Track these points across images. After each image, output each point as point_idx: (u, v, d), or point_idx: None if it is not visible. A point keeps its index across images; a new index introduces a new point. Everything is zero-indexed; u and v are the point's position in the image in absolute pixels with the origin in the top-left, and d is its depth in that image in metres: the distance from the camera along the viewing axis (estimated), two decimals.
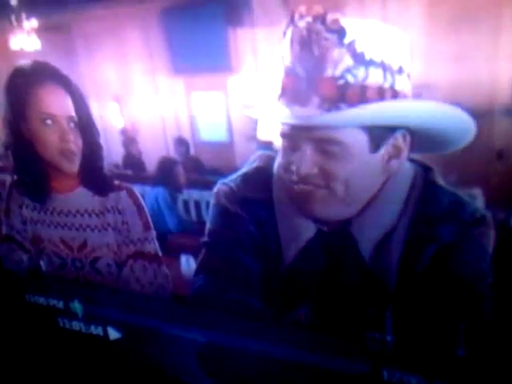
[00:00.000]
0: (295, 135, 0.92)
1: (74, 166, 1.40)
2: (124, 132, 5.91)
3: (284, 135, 0.96)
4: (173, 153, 4.38)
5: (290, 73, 0.89)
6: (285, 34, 0.91)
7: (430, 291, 0.96)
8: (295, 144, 0.92)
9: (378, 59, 0.92)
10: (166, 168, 3.71)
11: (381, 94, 0.91)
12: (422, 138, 0.91)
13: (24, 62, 1.33)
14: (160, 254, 1.48)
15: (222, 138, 4.45)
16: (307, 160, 0.92)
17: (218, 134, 4.47)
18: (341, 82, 0.90)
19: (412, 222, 0.98)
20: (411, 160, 1.00)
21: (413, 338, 0.94)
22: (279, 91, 0.92)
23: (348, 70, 0.90)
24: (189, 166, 4.04)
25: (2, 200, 1.47)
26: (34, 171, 1.42)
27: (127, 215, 1.45)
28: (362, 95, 0.91)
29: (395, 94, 0.89)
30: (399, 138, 0.92)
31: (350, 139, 0.93)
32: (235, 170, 1.14)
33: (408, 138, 0.93)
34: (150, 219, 1.48)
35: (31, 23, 5.21)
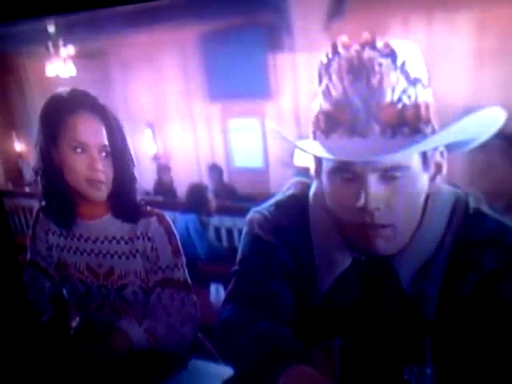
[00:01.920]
0: (355, 168, 0.92)
1: (101, 195, 1.45)
2: (156, 158, 6.03)
3: (339, 169, 0.95)
4: (206, 179, 4.44)
5: (342, 105, 0.89)
6: (328, 66, 0.91)
7: (473, 321, 0.93)
8: (353, 176, 0.91)
9: (418, 76, 0.95)
10: (196, 194, 3.77)
11: (427, 110, 0.94)
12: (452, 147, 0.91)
13: (61, 90, 1.38)
14: (189, 281, 1.49)
15: (257, 164, 4.48)
16: (373, 192, 0.95)
17: (253, 160, 4.51)
18: (399, 105, 0.92)
19: (453, 250, 0.95)
20: (452, 185, 0.98)
21: (454, 372, 0.91)
22: (327, 126, 0.92)
23: (404, 92, 0.93)
24: (222, 193, 4.07)
25: (28, 226, 1.51)
26: (61, 197, 1.47)
27: (157, 242, 1.48)
28: (417, 115, 0.94)
29: (428, 109, 0.89)
30: (440, 153, 0.92)
31: (412, 162, 0.96)
32: (269, 196, 1.14)
33: (445, 152, 0.92)
34: (180, 245, 1.50)
35: (68, 50, 5.43)
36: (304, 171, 1.21)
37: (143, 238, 1.49)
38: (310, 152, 0.91)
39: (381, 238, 0.95)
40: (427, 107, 0.91)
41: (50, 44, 5.38)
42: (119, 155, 1.48)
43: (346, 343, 0.97)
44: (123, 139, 1.48)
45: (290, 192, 1.14)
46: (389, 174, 0.94)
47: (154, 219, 1.49)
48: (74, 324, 1.45)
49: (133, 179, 1.51)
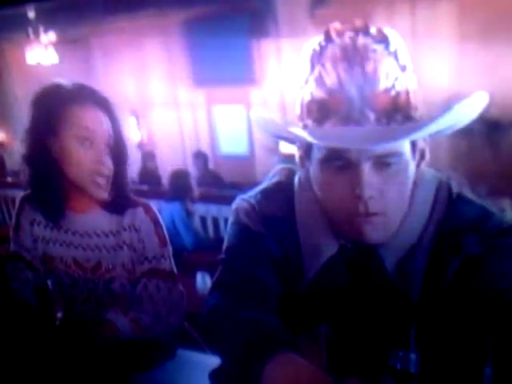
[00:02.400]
0: (349, 156, 0.89)
1: (102, 191, 1.34)
2: (141, 146, 5.94)
3: (331, 158, 0.92)
4: (191, 167, 4.40)
5: (337, 93, 0.88)
6: (321, 54, 0.91)
7: (456, 306, 0.94)
8: (347, 164, 0.91)
9: (406, 63, 0.90)
10: (179, 180, 3.72)
11: (415, 97, 0.90)
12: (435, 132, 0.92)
13: (62, 80, 1.35)
14: (175, 271, 1.42)
15: (243, 151, 4.46)
16: (367, 179, 0.88)
17: (239, 147, 4.49)
18: (393, 92, 0.86)
19: (436, 235, 0.96)
20: (434, 170, 0.99)
21: (437, 356, 0.92)
22: (320, 114, 0.91)
23: (396, 79, 0.87)
24: (207, 180, 4.05)
25: (11, 217, 1.48)
26: (52, 188, 1.35)
27: (143, 232, 1.37)
28: (407, 102, 0.88)
29: (416, 95, 0.91)
30: (423, 139, 0.93)
31: (404, 148, 0.90)
32: (255, 183, 1.13)
33: (427, 138, 0.93)
34: (166, 235, 1.41)
35: (49, 36, 5.32)
36: (289, 158, 1.21)
37: (130, 230, 1.38)
38: (307, 139, 0.90)
39: (372, 226, 0.93)
40: (415, 94, 0.91)
41: (31, 30, 5.27)
42: (120, 149, 1.38)
43: (331, 330, 0.97)
44: (122, 132, 1.39)
45: (276, 179, 1.13)
46: (382, 161, 0.89)
47: (140, 209, 1.39)
48: (59, 315, 1.43)
49: (127, 173, 1.42)
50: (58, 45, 5.92)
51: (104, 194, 1.35)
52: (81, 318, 1.41)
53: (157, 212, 1.41)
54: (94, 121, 1.31)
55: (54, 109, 1.31)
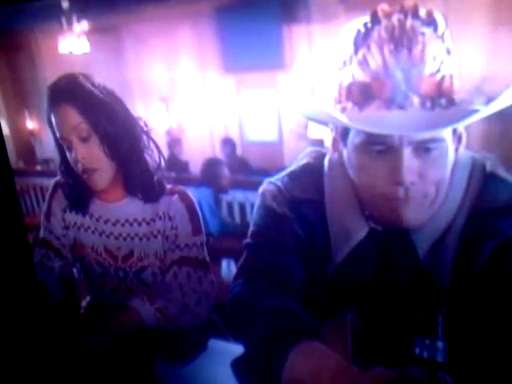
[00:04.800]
0: (390, 141, 0.89)
1: (99, 183, 1.35)
2: (169, 133, 5.99)
3: (371, 142, 0.91)
4: (218, 153, 4.39)
5: (382, 76, 0.86)
6: (367, 35, 0.88)
7: (487, 292, 0.92)
8: (387, 149, 0.90)
9: (451, 46, 0.89)
10: (211, 169, 3.72)
11: (457, 81, 0.89)
12: None
13: (51, 82, 1.36)
14: (208, 259, 1.41)
15: (271, 137, 4.43)
16: (408, 165, 0.88)
17: (267, 133, 4.46)
18: (438, 76, 0.86)
19: (469, 217, 0.94)
20: (469, 150, 0.96)
21: (466, 346, 0.90)
22: (362, 98, 0.89)
23: (442, 62, 0.86)
24: (235, 167, 4.04)
25: (39, 206, 1.49)
26: (77, 179, 1.37)
27: (177, 220, 1.37)
28: (451, 86, 0.88)
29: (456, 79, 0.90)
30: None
31: (446, 134, 0.90)
32: (283, 169, 1.12)
33: None
34: (201, 223, 1.40)
35: (81, 25, 5.36)
36: (318, 143, 1.18)
37: (164, 218, 1.38)
38: (348, 124, 0.88)
39: (410, 210, 0.92)
40: (457, 77, 0.89)
41: (64, 20, 5.32)
42: (112, 138, 1.34)
43: (357, 317, 0.96)
44: (114, 122, 1.34)
45: (304, 161, 1.11)
46: (424, 147, 0.89)
47: (175, 197, 1.38)
48: (83, 304, 1.44)
49: (142, 159, 1.39)
50: (89, 34, 5.97)
51: (98, 186, 1.34)
52: (108, 305, 1.42)
53: (193, 200, 1.40)
54: (64, 120, 1.30)
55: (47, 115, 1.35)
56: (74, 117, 1.30)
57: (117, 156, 1.34)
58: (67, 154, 1.33)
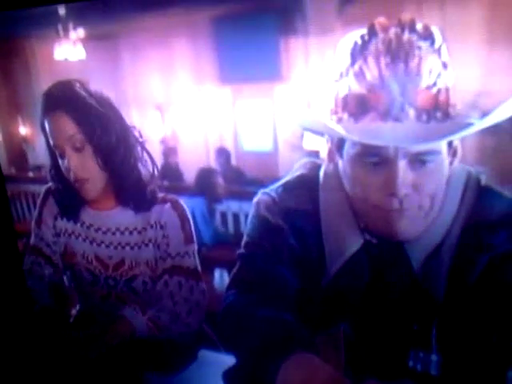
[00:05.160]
0: (385, 153, 0.90)
1: (90, 192, 1.37)
2: (164, 141, 6.01)
3: (366, 154, 0.93)
4: (213, 163, 4.39)
5: (378, 88, 0.87)
6: (364, 48, 0.89)
7: (481, 305, 0.92)
8: (382, 161, 0.91)
9: (447, 60, 0.92)
10: (205, 178, 3.72)
11: (453, 95, 0.92)
12: None
13: (48, 87, 1.38)
14: (199, 269, 1.42)
15: (266, 147, 4.44)
16: (403, 177, 0.91)
17: (262, 143, 4.47)
18: (434, 89, 0.90)
19: (464, 230, 0.96)
20: (464, 164, 0.97)
21: (460, 358, 0.90)
22: (358, 109, 0.90)
23: (439, 76, 0.90)
24: (229, 177, 4.04)
25: (31, 212, 1.48)
26: (68, 190, 1.40)
27: (169, 228, 1.40)
28: (447, 99, 0.91)
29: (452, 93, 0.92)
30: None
31: (442, 146, 0.93)
32: (278, 180, 1.12)
33: None
34: (193, 232, 1.43)
35: (78, 33, 5.39)
36: (313, 154, 1.19)
37: (156, 226, 1.41)
38: (344, 135, 0.89)
39: (405, 222, 0.95)
40: (453, 91, 0.90)
41: (60, 27, 5.34)
42: (106, 149, 1.37)
43: (351, 329, 0.96)
44: (109, 131, 1.37)
45: (299, 172, 1.13)
46: (419, 159, 0.92)
47: (167, 206, 1.41)
48: (73, 312, 1.43)
49: (135, 170, 1.41)
50: (86, 41, 5.99)
51: (88, 195, 1.37)
52: (98, 314, 1.41)
53: (185, 208, 1.42)
54: (57, 128, 1.34)
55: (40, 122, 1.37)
56: (68, 126, 1.33)
57: (110, 166, 1.36)
58: (59, 161, 1.35)
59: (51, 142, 1.35)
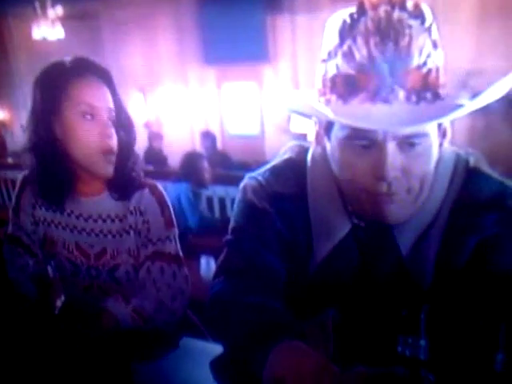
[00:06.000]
0: (374, 135, 0.88)
1: (109, 168, 1.31)
2: (148, 125, 5.92)
3: (355, 136, 0.90)
4: (199, 147, 4.37)
5: (367, 68, 0.86)
6: (353, 27, 0.88)
7: (469, 289, 0.93)
8: (371, 143, 0.89)
9: (437, 38, 0.88)
10: (191, 163, 3.69)
11: (443, 75, 0.88)
12: None
13: (62, 58, 1.31)
14: (181, 254, 1.38)
15: (253, 131, 4.43)
16: (392, 160, 0.87)
17: (249, 126, 4.45)
18: (424, 69, 0.85)
19: (452, 212, 0.95)
20: (451, 146, 0.97)
21: (448, 343, 0.91)
22: (347, 90, 0.89)
23: (429, 55, 0.85)
24: (215, 161, 4.02)
25: (11, 199, 1.45)
26: (59, 173, 1.31)
27: (148, 214, 1.34)
28: (437, 80, 0.87)
29: (443, 73, 0.90)
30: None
31: (431, 129, 0.89)
32: (265, 164, 1.11)
33: None
34: (173, 216, 1.38)
35: (56, 11, 5.26)
36: (301, 137, 1.18)
37: (135, 213, 1.34)
38: (332, 118, 0.88)
39: (394, 205, 0.91)
40: (443, 71, 0.89)
41: (38, 5, 5.22)
42: (124, 125, 1.34)
43: (339, 316, 0.96)
44: (125, 106, 1.36)
45: (287, 156, 1.11)
46: (408, 141, 0.88)
47: (146, 191, 1.35)
48: (58, 303, 1.41)
49: (135, 154, 1.38)
50: (65, 20, 5.89)
51: (110, 171, 1.30)
52: (82, 306, 1.40)
53: (164, 192, 1.38)
54: (95, 94, 1.28)
55: (55, 87, 1.27)
56: (102, 88, 1.28)
57: (121, 143, 1.32)
58: (79, 129, 1.27)
59: (81, 102, 1.27)
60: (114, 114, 1.31)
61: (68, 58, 1.32)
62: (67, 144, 1.28)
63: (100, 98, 1.28)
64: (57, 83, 1.27)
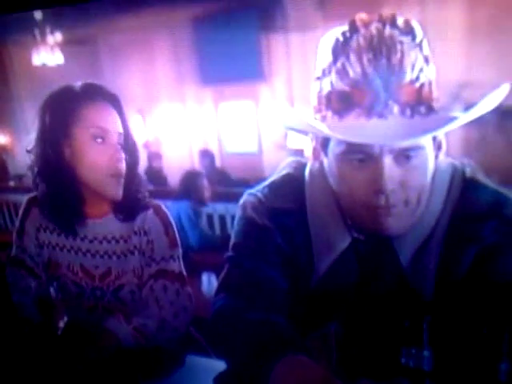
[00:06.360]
0: (371, 150, 0.89)
1: (119, 190, 1.30)
2: (147, 146, 5.94)
3: (351, 151, 0.91)
4: (197, 166, 4.37)
5: (361, 84, 0.87)
6: (345, 44, 0.89)
7: (471, 298, 0.92)
8: (367, 158, 0.90)
9: (428, 53, 0.90)
10: (190, 181, 3.70)
11: (435, 88, 0.90)
12: None
13: (72, 83, 1.31)
14: (184, 272, 1.37)
15: (251, 148, 4.43)
16: (389, 174, 0.88)
17: (246, 144, 4.46)
18: (417, 84, 0.87)
19: (451, 223, 0.95)
20: (449, 157, 0.98)
21: (451, 353, 0.90)
22: (342, 106, 0.90)
23: (421, 70, 0.87)
24: (214, 179, 4.02)
25: (13, 222, 1.44)
26: (69, 196, 1.30)
27: (152, 234, 1.33)
28: (430, 93, 0.88)
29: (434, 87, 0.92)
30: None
31: (426, 141, 0.90)
32: (264, 180, 1.11)
33: None
34: (177, 236, 1.37)
35: (55, 37, 5.29)
36: (298, 153, 1.19)
37: (140, 234, 1.34)
38: (328, 134, 0.89)
39: (392, 218, 0.92)
40: (436, 85, 0.90)
41: (37, 32, 5.25)
42: (131, 148, 1.35)
43: (341, 329, 0.95)
44: (131, 129, 1.37)
45: (285, 172, 1.12)
46: (404, 154, 0.89)
47: (150, 211, 1.35)
48: (61, 324, 1.40)
49: (139, 176, 1.38)
50: (64, 45, 5.95)
51: (119, 194, 1.30)
52: (86, 327, 1.39)
53: (168, 213, 1.37)
54: (106, 118, 1.28)
55: (64, 111, 1.27)
56: (112, 112, 1.29)
57: (129, 166, 1.32)
58: (90, 153, 1.27)
59: (92, 126, 1.27)
60: (122, 138, 1.31)
61: (77, 83, 1.32)
62: (77, 167, 1.28)
63: (110, 122, 1.29)
64: (67, 107, 1.27)
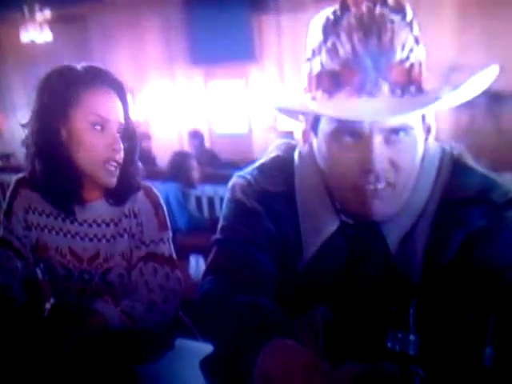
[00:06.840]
0: (361, 129, 0.88)
1: (113, 179, 1.29)
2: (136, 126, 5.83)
3: (342, 131, 0.90)
4: (187, 147, 4.33)
5: (351, 63, 0.86)
6: (336, 24, 0.88)
7: (457, 283, 0.93)
8: (357, 138, 0.89)
9: (418, 34, 0.89)
10: (179, 162, 3.66)
11: (426, 69, 0.90)
12: None
13: (73, 64, 1.28)
14: (174, 256, 1.37)
15: (240, 130, 4.40)
16: (379, 153, 0.88)
17: (236, 125, 4.43)
18: (407, 63, 0.86)
19: (439, 207, 0.95)
20: (437, 141, 0.97)
21: (437, 337, 0.91)
22: (332, 85, 0.89)
23: (411, 50, 0.87)
24: (203, 160, 3.99)
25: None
26: (67, 178, 1.28)
27: (142, 216, 1.32)
28: (420, 74, 0.88)
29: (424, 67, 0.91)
30: (432, 114, 0.95)
31: (415, 122, 0.90)
32: (253, 162, 1.10)
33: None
34: (167, 219, 1.36)
35: (44, 14, 5.20)
36: (288, 135, 1.18)
37: (130, 215, 1.33)
38: (319, 112, 0.88)
39: (381, 201, 0.91)
40: (425, 66, 0.90)
41: (26, 8, 5.15)
42: (130, 136, 1.33)
43: (329, 313, 0.95)
44: (131, 118, 1.35)
45: (274, 154, 1.11)
46: (394, 135, 0.89)
47: (140, 193, 1.34)
48: (47, 306, 1.38)
49: (136, 162, 1.37)
50: (53, 23, 5.84)
51: (113, 182, 1.28)
52: (72, 309, 1.37)
53: (158, 195, 1.36)
54: (108, 106, 1.25)
55: (65, 93, 1.23)
56: (114, 101, 1.27)
57: (126, 155, 1.30)
58: (87, 139, 1.25)
59: (92, 113, 1.25)
60: (122, 127, 1.29)
61: (81, 64, 1.29)
62: (72, 150, 1.26)
63: (112, 111, 1.26)
64: (68, 89, 1.24)
